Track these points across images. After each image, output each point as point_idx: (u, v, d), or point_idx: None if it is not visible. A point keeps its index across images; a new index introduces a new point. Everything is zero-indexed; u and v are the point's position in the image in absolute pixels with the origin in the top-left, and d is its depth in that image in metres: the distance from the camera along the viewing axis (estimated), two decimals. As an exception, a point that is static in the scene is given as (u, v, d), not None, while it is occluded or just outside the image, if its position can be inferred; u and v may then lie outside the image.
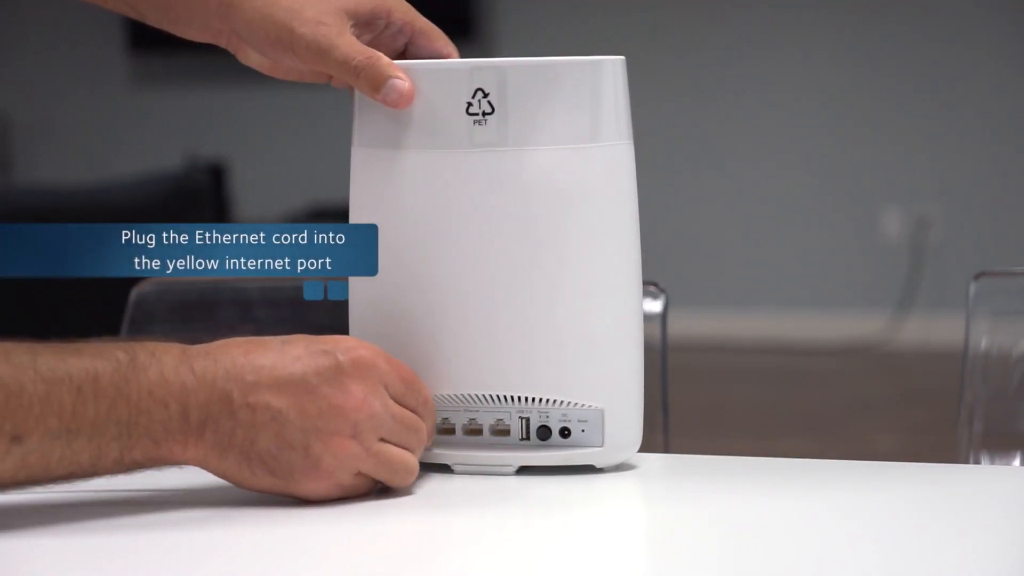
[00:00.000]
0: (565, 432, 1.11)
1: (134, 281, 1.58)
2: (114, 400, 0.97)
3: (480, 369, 1.11)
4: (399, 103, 1.09)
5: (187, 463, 1.00)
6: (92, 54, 6.45)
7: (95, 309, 3.04)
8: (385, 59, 1.10)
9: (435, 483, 1.10)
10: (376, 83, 1.10)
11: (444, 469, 1.12)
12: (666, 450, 1.47)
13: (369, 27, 1.14)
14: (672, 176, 5.82)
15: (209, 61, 6.03)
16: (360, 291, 1.13)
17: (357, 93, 1.12)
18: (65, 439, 0.96)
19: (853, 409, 4.80)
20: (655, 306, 1.49)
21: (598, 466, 1.12)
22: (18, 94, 6.55)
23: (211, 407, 0.99)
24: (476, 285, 1.10)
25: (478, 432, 1.12)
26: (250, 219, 6.14)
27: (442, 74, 1.10)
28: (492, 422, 1.12)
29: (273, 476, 1.00)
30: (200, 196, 3.68)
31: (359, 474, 1.02)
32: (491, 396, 1.11)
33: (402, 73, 1.10)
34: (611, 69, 1.11)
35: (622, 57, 1.11)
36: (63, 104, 6.52)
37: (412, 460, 1.04)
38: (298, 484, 1.00)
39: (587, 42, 5.81)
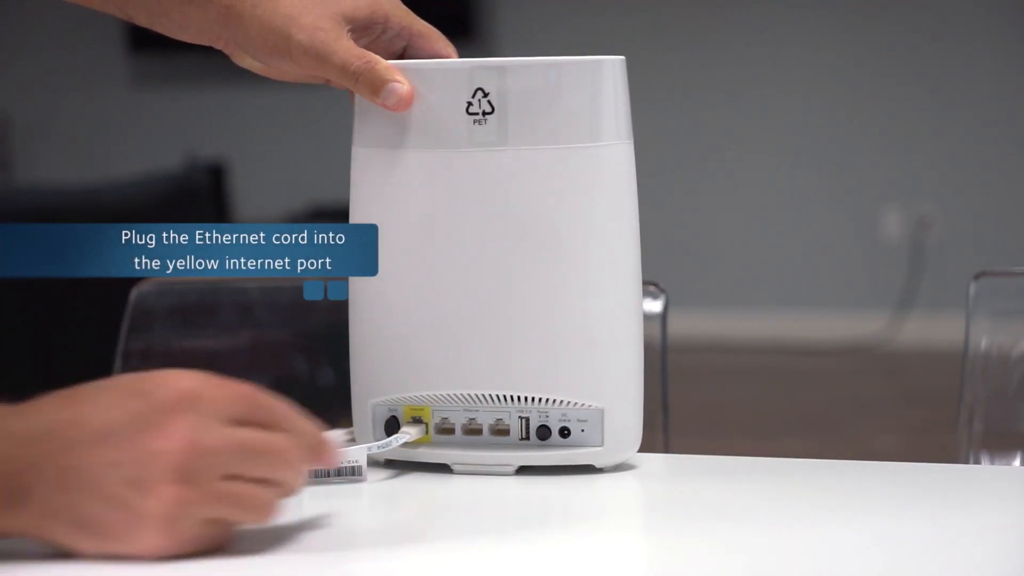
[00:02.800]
0: (565, 432, 1.11)
1: (134, 281, 1.58)
2: None
3: (480, 369, 1.11)
4: (398, 107, 1.09)
5: (15, 535, 0.90)
6: (92, 54, 6.45)
7: (95, 309, 3.04)
8: (383, 63, 1.10)
9: (435, 483, 1.10)
10: (375, 87, 1.10)
11: (444, 469, 1.12)
12: (666, 450, 1.47)
13: (367, 31, 1.14)
14: (672, 176, 5.81)
15: (209, 61, 6.03)
16: (360, 291, 1.13)
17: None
18: None
19: (853, 409, 4.80)
20: (655, 306, 1.49)
21: (598, 466, 1.12)
22: (18, 94, 6.55)
23: (29, 477, 0.89)
24: (476, 285, 1.10)
25: (478, 432, 1.12)
26: (250, 219, 6.14)
27: (442, 74, 1.10)
28: (492, 422, 1.12)
29: (104, 539, 0.89)
30: (200, 196, 3.68)
31: (207, 522, 0.91)
32: (491, 396, 1.11)
33: (400, 76, 1.10)
34: (611, 69, 1.11)
35: (622, 57, 1.12)
36: (63, 104, 6.52)
37: (263, 495, 0.92)
38: (133, 543, 0.89)
39: (587, 42, 5.81)
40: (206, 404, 0.90)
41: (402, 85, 1.09)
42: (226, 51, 1.16)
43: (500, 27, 6.05)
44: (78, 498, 0.89)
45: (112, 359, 1.57)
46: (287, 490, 0.93)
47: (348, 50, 1.11)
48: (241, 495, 0.91)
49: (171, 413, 0.89)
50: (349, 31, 1.12)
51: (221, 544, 0.91)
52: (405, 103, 1.09)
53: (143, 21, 1.16)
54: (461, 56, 1.16)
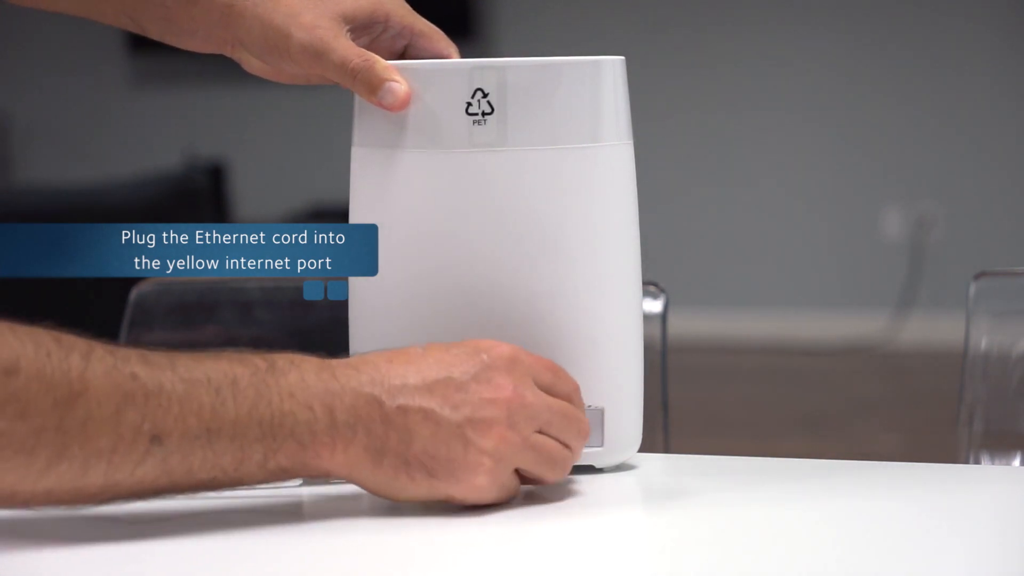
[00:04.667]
0: (565, 432, 1.11)
1: (134, 281, 1.58)
2: (254, 401, 0.95)
3: (480, 369, 1.10)
4: (395, 106, 1.09)
5: (335, 471, 0.97)
6: (92, 54, 6.45)
7: (95, 309, 3.04)
8: (381, 62, 1.10)
9: (435, 483, 1.09)
10: (372, 86, 1.09)
11: (444, 469, 1.12)
12: (666, 450, 1.47)
13: (367, 30, 1.14)
14: (672, 176, 5.82)
15: (209, 61, 6.01)
16: (360, 291, 1.13)
17: (357, 94, 1.12)
18: (206, 439, 0.93)
19: (853, 409, 4.80)
20: (655, 306, 1.49)
21: (598, 466, 1.12)
22: (18, 94, 6.55)
23: (359, 411, 0.97)
24: (476, 285, 1.10)
25: (478, 432, 1.12)
26: (250, 219, 6.14)
27: (442, 74, 1.10)
28: (492, 422, 1.12)
29: (433, 478, 0.98)
30: (200, 196, 3.68)
31: (515, 473, 1.01)
32: (491, 396, 1.11)
33: (398, 76, 1.10)
34: (611, 69, 1.11)
35: (622, 57, 1.12)
36: (63, 104, 6.52)
37: (569, 453, 1.03)
38: (460, 483, 0.98)
39: (587, 42, 5.81)
40: (525, 367, 1.02)
41: (400, 85, 1.09)
42: (233, 56, 1.16)
43: (500, 27, 6.05)
44: (413, 437, 0.98)
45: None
46: (574, 457, 1.04)
47: (347, 48, 1.11)
48: (550, 449, 1.02)
49: (499, 371, 1.00)
50: (349, 30, 1.12)
51: (511, 497, 1.01)
52: (402, 103, 1.09)
53: (154, 32, 1.17)
54: (461, 56, 1.16)
